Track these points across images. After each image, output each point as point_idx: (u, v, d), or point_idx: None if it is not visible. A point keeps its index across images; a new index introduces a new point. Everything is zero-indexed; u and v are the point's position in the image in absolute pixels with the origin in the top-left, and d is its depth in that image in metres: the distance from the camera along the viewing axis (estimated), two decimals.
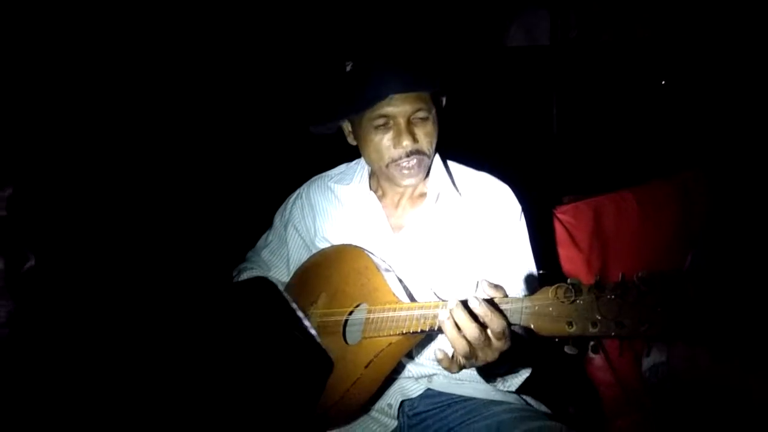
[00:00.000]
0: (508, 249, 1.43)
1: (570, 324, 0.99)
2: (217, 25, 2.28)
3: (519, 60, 2.94)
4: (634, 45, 2.87)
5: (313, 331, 1.02)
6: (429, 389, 1.40)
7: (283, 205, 1.68)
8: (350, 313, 1.35)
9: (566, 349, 1.00)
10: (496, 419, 1.30)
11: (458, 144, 1.56)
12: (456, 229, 1.44)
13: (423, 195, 1.48)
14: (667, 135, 2.87)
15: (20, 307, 0.95)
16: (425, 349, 1.40)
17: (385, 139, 1.38)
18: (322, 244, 1.52)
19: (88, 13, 1.81)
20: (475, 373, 1.31)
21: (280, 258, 1.64)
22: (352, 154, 1.56)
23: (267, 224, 1.71)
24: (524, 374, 1.34)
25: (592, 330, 0.97)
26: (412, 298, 1.34)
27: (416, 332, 1.19)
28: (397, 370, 1.39)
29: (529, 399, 1.41)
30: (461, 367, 1.12)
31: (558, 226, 1.87)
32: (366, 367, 1.23)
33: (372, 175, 1.54)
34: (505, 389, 1.36)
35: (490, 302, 1.08)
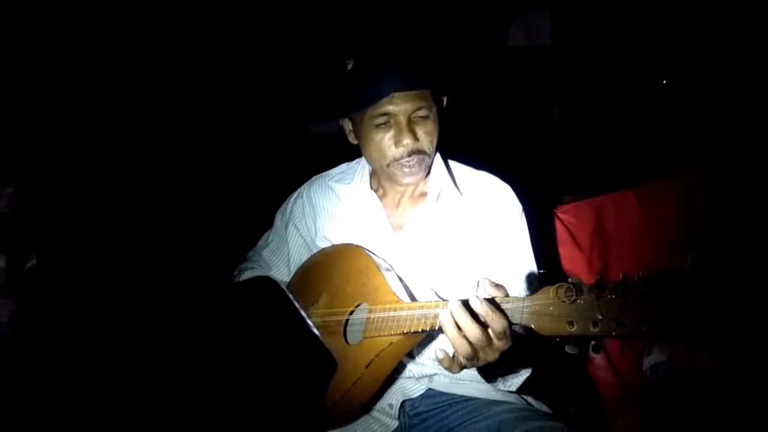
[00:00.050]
0: (509, 248, 1.43)
1: (571, 323, 0.99)
2: (218, 25, 2.28)
3: (520, 59, 2.94)
4: (635, 44, 2.87)
5: (316, 331, 1.02)
6: (430, 389, 1.40)
7: (283, 205, 1.68)
8: (351, 313, 1.35)
9: (567, 348, 1.00)
10: (497, 419, 1.30)
11: (459, 143, 1.56)
12: (457, 228, 1.44)
13: (424, 194, 1.48)
14: (667, 135, 2.87)
15: (22, 306, 0.95)
16: (426, 348, 1.40)
17: (386, 138, 1.38)
18: (323, 244, 1.52)
19: (88, 12, 1.81)
20: (476, 373, 1.31)
21: (281, 257, 1.64)
22: (352, 153, 1.56)
23: (268, 224, 1.71)
24: (525, 374, 1.34)
25: (593, 330, 0.97)
26: (412, 298, 1.34)
27: (417, 332, 1.19)
28: (398, 369, 1.39)
29: (529, 399, 1.41)
30: (462, 367, 1.12)
31: (559, 226, 1.87)
32: (367, 366, 1.23)
33: (373, 174, 1.54)
34: (506, 389, 1.36)
35: (491, 302, 1.08)
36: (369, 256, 1.38)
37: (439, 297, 1.38)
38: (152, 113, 2.09)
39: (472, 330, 1.06)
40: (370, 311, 1.29)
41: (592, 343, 1.00)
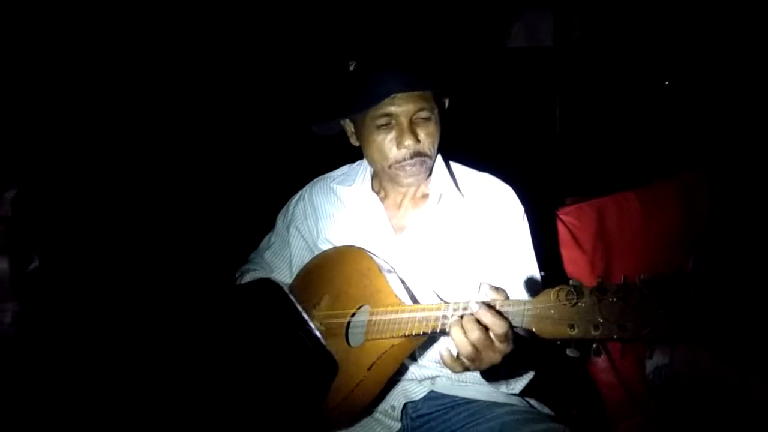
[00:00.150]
0: (511, 250, 1.43)
1: (572, 327, 0.99)
2: (220, 26, 2.28)
3: (522, 61, 2.93)
4: (637, 46, 2.86)
5: (318, 333, 1.03)
6: (432, 391, 1.40)
7: (285, 207, 1.68)
8: (353, 315, 1.35)
9: (568, 351, 1.00)
10: (499, 421, 1.30)
11: (461, 145, 1.56)
12: (458, 230, 1.44)
13: (425, 196, 1.48)
14: (669, 136, 2.86)
15: (25, 308, 0.95)
16: (428, 351, 1.40)
17: (388, 139, 1.38)
18: (325, 246, 1.52)
19: (89, 13, 1.81)
20: (479, 375, 1.31)
21: (283, 259, 1.64)
22: (354, 155, 1.56)
23: (269, 225, 1.71)
24: (527, 377, 1.34)
25: (594, 333, 0.97)
26: (414, 300, 1.34)
27: (419, 334, 1.19)
28: (400, 372, 1.39)
29: (532, 401, 1.41)
30: (465, 368, 1.12)
31: (561, 228, 1.87)
32: (369, 369, 1.23)
33: (374, 176, 1.54)
34: (509, 391, 1.36)
35: (493, 305, 1.08)
36: (371, 258, 1.38)
37: (441, 299, 1.37)
38: (154, 115, 2.09)
39: (475, 333, 1.06)
40: (372, 313, 1.29)
41: (594, 345, 1.00)
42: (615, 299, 0.95)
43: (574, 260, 1.85)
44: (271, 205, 1.73)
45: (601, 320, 0.96)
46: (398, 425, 1.37)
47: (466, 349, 1.07)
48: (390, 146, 1.38)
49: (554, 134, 2.74)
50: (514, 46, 2.94)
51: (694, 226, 1.95)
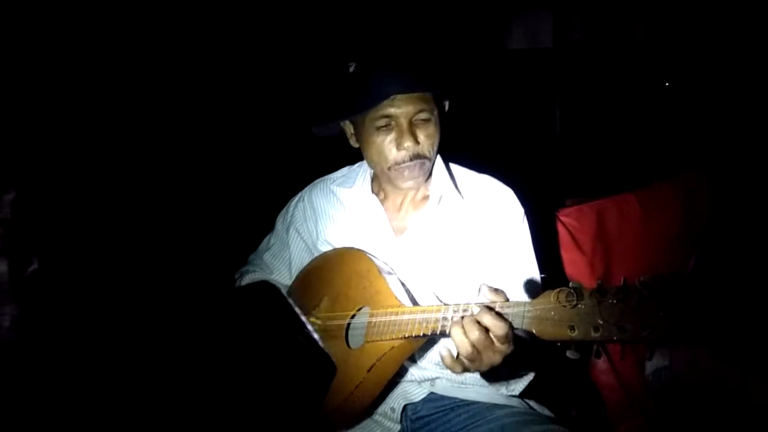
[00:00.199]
0: (511, 252, 1.43)
1: (572, 328, 0.99)
2: (219, 27, 2.28)
3: (522, 62, 2.94)
4: (637, 47, 2.86)
5: (316, 336, 1.03)
6: (432, 393, 1.40)
7: (285, 208, 1.68)
8: (353, 317, 1.35)
9: (568, 353, 1.00)
10: (499, 423, 1.30)
11: (461, 146, 1.56)
12: (458, 232, 1.44)
13: (425, 198, 1.48)
14: (669, 137, 2.86)
15: (24, 310, 0.95)
16: (428, 352, 1.40)
17: (387, 141, 1.38)
18: (324, 247, 1.52)
19: (86, 14, 1.81)
20: (479, 376, 1.31)
21: (282, 261, 1.64)
22: (354, 157, 1.56)
23: (269, 227, 1.71)
24: (527, 378, 1.34)
25: (594, 334, 0.97)
26: (414, 302, 1.34)
27: (418, 336, 1.19)
28: (400, 373, 1.39)
29: (532, 403, 1.41)
30: (465, 369, 1.12)
31: (561, 229, 1.87)
32: (368, 371, 1.23)
33: (374, 178, 1.54)
34: (509, 393, 1.36)
35: (493, 307, 1.08)
36: (370, 259, 1.38)
37: (441, 301, 1.37)
38: (154, 117, 2.09)
39: (476, 335, 1.06)
40: (372, 315, 1.29)
41: (594, 347, 1.00)
42: (615, 301, 0.95)
43: (573, 262, 1.85)
44: (271, 207, 1.73)
45: (601, 322, 0.96)
46: (398, 427, 1.37)
47: (467, 349, 1.07)
48: (389, 148, 1.38)
49: (554, 135, 2.74)
50: (515, 47, 2.94)
51: (693, 227, 1.95)
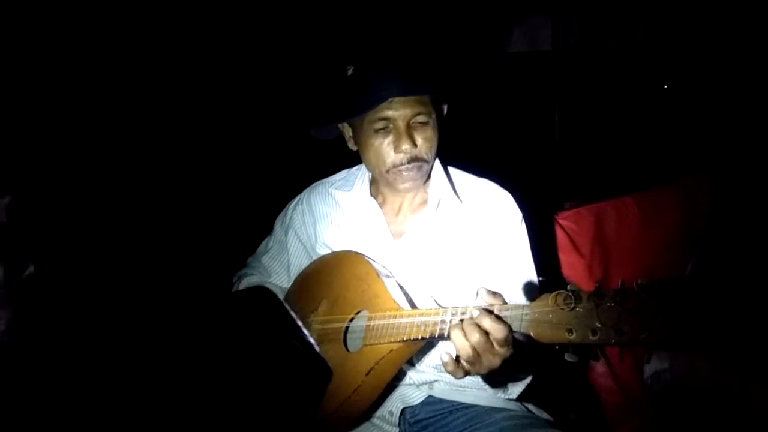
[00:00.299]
0: (509, 256, 1.43)
1: (570, 331, 0.99)
2: (218, 30, 2.28)
3: (521, 66, 2.94)
4: (636, 50, 2.87)
5: (311, 340, 1.02)
6: (430, 396, 1.40)
7: (283, 211, 1.68)
8: (351, 320, 1.34)
9: (566, 356, 1.00)
10: (497, 426, 1.30)
11: (459, 150, 1.56)
12: (457, 236, 1.44)
13: (424, 202, 1.48)
14: (668, 140, 2.87)
15: (20, 315, 0.95)
16: (426, 356, 1.40)
17: (385, 143, 1.38)
18: (323, 251, 1.52)
19: (84, 15, 1.81)
20: (477, 380, 1.31)
21: (281, 264, 1.64)
22: (353, 160, 1.56)
23: (267, 230, 1.70)
24: (524, 382, 1.34)
25: (592, 337, 0.97)
26: (412, 305, 1.34)
27: (417, 339, 1.19)
28: (398, 377, 1.39)
29: (530, 406, 1.40)
30: (465, 373, 1.12)
31: (559, 232, 1.87)
32: (367, 374, 1.23)
33: (373, 181, 1.54)
34: (507, 396, 1.36)
35: (491, 310, 1.08)
36: (369, 263, 1.38)
37: (439, 304, 1.37)
38: (151, 119, 2.09)
39: (476, 338, 1.06)
40: (370, 318, 1.29)
41: (592, 350, 1.00)
42: (613, 304, 0.95)
43: (572, 265, 1.85)
44: (269, 210, 1.73)
45: (599, 325, 0.96)
46: (396, 430, 1.37)
47: (467, 351, 1.07)
48: (387, 150, 1.38)
49: (553, 139, 2.74)
50: (513, 50, 2.95)
51: (692, 231, 1.95)
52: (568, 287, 1.00)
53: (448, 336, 1.11)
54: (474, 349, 1.07)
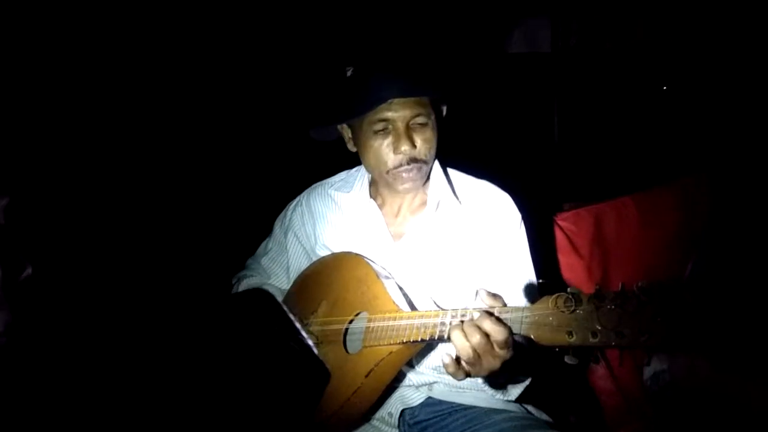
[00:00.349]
0: (508, 258, 1.42)
1: (570, 334, 0.99)
2: (218, 31, 2.28)
3: (520, 67, 2.94)
4: (635, 52, 2.87)
5: (310, 342, 1.02)
6: (430, 398, 1.40)
7: (283, 213, 1.67)
8: (350, 322, 1.34)
9: (566, 359, 1.00)
10: (497, 428, 1.30)
11: (459, 151, 1.56)
12: (456, 237, 1.43)
13: (423, 203, 1.48)
14: (668, 142, 2.87)
15: (18, 316, 0.95)
16: (426, 357, 1.40)
17: (384, 145, 1.38)
18: (322, 252, 1.52)
19: (83, 16, 1.80)
20: (477, 381, 1.31)
21: (280, 265, 1.64)
22: (352, 162, 1.56)
23: (267, 231, 1.70)
24: (523, 384, 1.34)
25: (592, 340, 0.96)
26: (412, 307, 1.34)
27: (417, 341, 1.19)
28: (398, 378, 1.39)
29: (530, 408, 1.40)
30: (466, 374, 1.12)
31: (558, 233, 1.87)
32: (366, 376, 1.23)
33: (372, 182, 1.54)
34: (506, 398, 1.35)
35: (492, 312, 1.07)
36: (368, 264, 1.38)
37: (438, 306, 1.37)
38: (151, 121, 2.09)
39: (476, 339, 1.06)
40: (370, 320, 1.28)
41: (593, 352, 1.00)
42: (613, 306, 0.95)
43: (571, 266, 1.85)
44: (269, 211, 1.72)
45: (599, 327, 0.96)
46: None
47: (467, 353, 1.07)
48: (386, 152, 1.37)
49: (552, 140, 2.73)
50: (513, 52, 2.95)
51: (692, 231, 1.95)
52: (569, 290, 1.00)
53: (448, 338, 1.11)
54: (474, 350, 1.06)
